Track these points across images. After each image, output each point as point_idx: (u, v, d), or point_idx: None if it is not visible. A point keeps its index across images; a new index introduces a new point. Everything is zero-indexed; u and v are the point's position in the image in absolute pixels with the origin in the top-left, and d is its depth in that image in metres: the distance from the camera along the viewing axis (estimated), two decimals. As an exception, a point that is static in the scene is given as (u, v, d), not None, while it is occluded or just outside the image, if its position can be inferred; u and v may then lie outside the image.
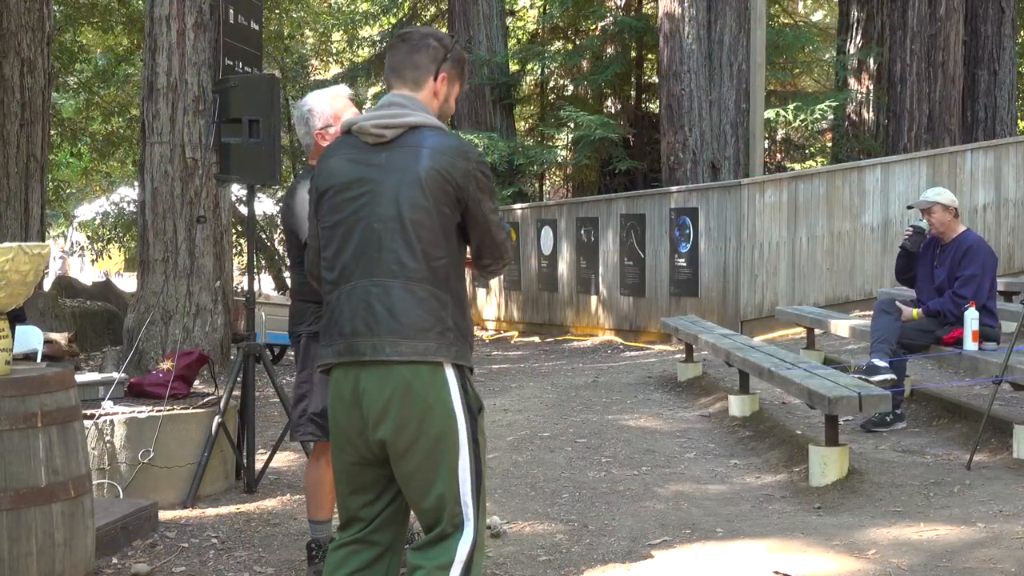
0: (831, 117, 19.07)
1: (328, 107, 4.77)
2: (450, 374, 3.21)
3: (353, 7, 26.51)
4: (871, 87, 19.11)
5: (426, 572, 3.18)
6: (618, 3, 21.01)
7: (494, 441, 8.03)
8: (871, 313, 8.29)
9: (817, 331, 10.56)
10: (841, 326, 9.44)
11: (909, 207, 8.24)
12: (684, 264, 13.75)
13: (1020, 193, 13.57)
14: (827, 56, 23.45)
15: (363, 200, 3.27)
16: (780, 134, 22.14)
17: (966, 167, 13.75)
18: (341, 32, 26.59)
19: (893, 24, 17.36)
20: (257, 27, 7.84)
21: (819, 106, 17.46)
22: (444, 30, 21.98)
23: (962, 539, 5.12)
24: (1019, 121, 23.20)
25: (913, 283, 8.09)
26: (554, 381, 10.83)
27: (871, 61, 18.92)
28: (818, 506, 6.00)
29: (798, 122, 18.05)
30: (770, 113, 17.58)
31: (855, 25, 19.42)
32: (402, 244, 3.22)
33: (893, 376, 7.43)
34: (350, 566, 3.32)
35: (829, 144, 21.42)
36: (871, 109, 19.16)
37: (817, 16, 29.09)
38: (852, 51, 19.14)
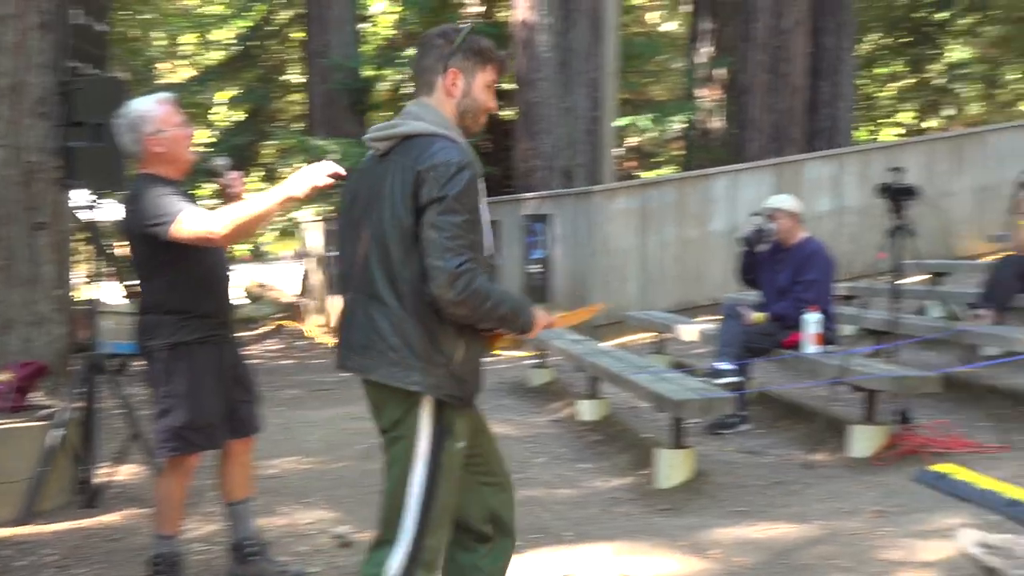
0: (682, 126, 19.45)
1: (157, 112, 4.66)
2: (425, 399, 3.25)
3: (204, 10, 26.05)
4: (720, 97, 19.55)
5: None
6: (475, 10, 21.07)
7: (343, 449, 7.98)
8: (718, 318, 8.47)
9: (666, 336, 10.75)
10: (689, 331, 9.63)
11: (755, 214, 8.45)
12: (537, 270, 13.85)
13: (859, 201, 14.02)
14: (678, 66, 23.94)
15: (361, 213, 3.31)
16: (633, 142, 22.49)
17: (809, 175, 14.16)
18: (193, 35, 26.11)
19: (740, 35, 17.79)
20: (104, 28, 7.63)
21: (676, 116, 17.79)
22: (302, 35, 21.86)
23: (801, 536, 5.26)
24: (858, 131, 24.01)
25: (755, 284, 8.30)
26: (408, 388, 10.76)
27: (720, 71, 19.36)
28: (665, 508, 6.10)
29: (655, 131, 18.36)
30: (624, 121, 17.84)
31: (705, 36, 19.87)
32: (368, 261, 3.25)
33: (738, 379, 7.61)
34: None
35: (679, 152, 21.84)
36: (719, 119, 19.61)
37: (669, 26, 29.63)
38: (702, 61, 19.56)
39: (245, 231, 4.35)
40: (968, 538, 3.84)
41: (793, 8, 17.07)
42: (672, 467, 6.47)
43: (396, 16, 24.04)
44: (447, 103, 3.35)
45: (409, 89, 22.80)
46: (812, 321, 7.48)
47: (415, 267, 3.17)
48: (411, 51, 21.93)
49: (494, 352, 3.55)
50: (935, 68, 28.14)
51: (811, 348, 7.48)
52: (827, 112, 18.11)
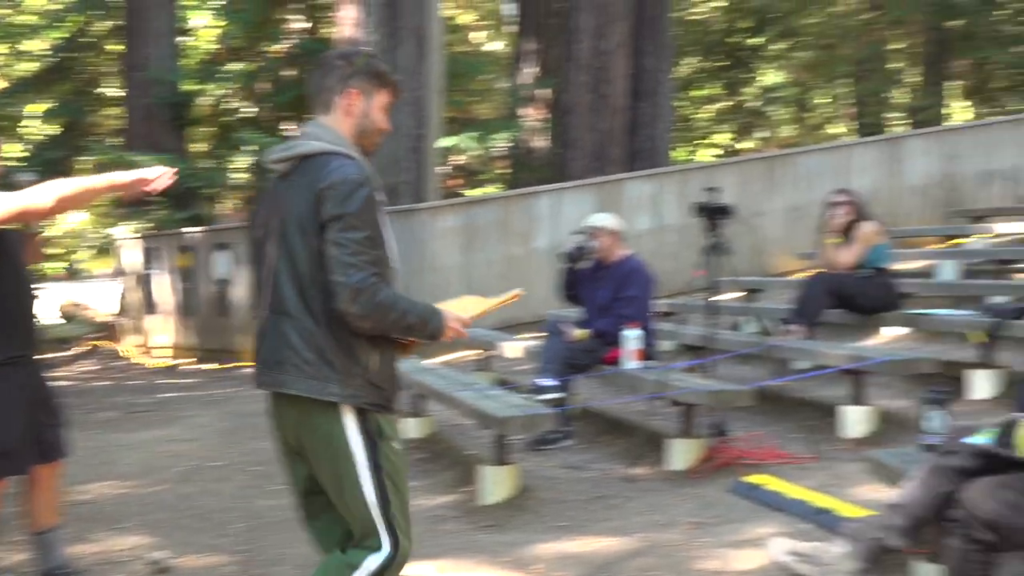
0: (506, 144, 19.63)
1: None
2: (346, 408, 3.30)
3: (16, 20, 25.12)
4: (544, 116, 19.80)
5: (336, 560, 3.43)
6: (299, 26, 20.86)
7: (160, 473, 7.76)
8: (542, 334, 8.55)
9: (491, 353, 10.80)
10: (513, 347, 9.70)
11: (576, 232, 8.59)
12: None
13: (678, 219, 14.36)
14: (503, 85, 24.17)
15: (267, 234, 3.37)
16: (458, 160, 22.59)
17: (629, 194, 14.45)
18: (3, 46, 25.15)
19: (563, 56, 18.05)
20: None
21: (497, 135, 17.93)
22: (122, 47, 21.25)
23: (621, 550, 5.34)
24: (676, 151, 24.66)
25: (577, 301, 8.41)
26: (227, 408, 10.57)
27: (544, 91, 19.60)
28: (488, 524, 6.11)
29: (479, 149, 18.48)
30: (450, 140, 17.90)
31: (529, 56, 20.10)
32: (278, 279, 3.31)
33: (560, 395, 7.69)
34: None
35: (504, 171, 22.03)
36: (544, 137, 19.85)
37: (495, 46, 29.90)
38: (526, 81, 19.78)
39: (71, 203, 4.22)
40: (779, 547, 3.96)
41: (614, 30, 17.42)
42: (496, 484, 6.50)
43: (218, 30, 23.62)
44: (345, 122, 3.43)
45: (231, 104, 22.47)
46: (632, 337, 7.62)
47: (325, 283, 3.24)
48: (235, 65, 21.69)
49: (410, 356, 3.64)
50: (749, 91, 29.14)
51: (631, 364, 7.62)
52: (647, 132, 18.51)
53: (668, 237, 14.50)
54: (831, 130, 29.84)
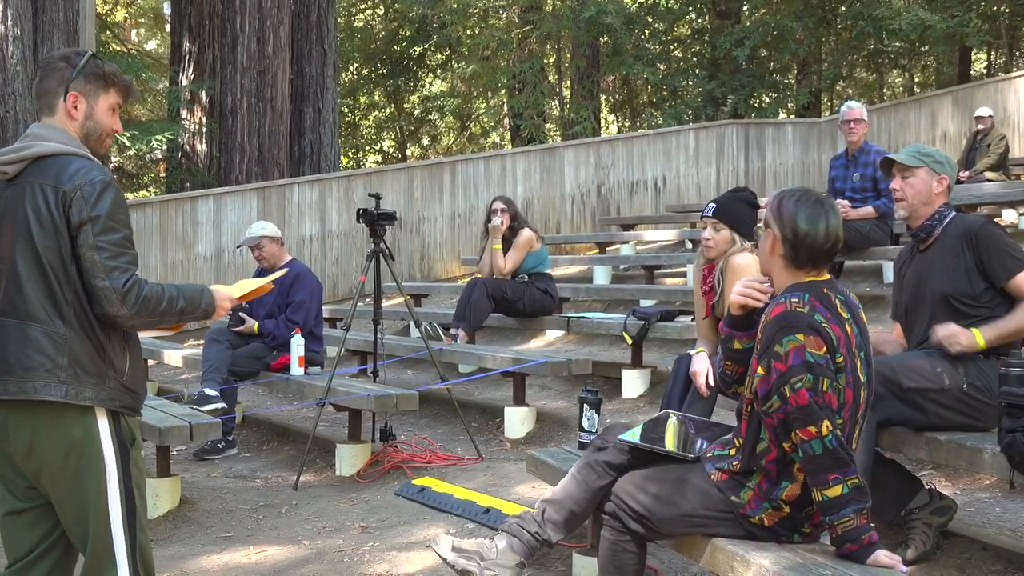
0: (165, 147, 19.04)
1: None
2: (100, 412, 3.21)
3: None
4: (204, 119, 19.34)
5: None
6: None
7: None
8: (204, 342, 8.36)
9: (151, 361, 10.45)
10: (174, 355, 9.41)
11: (239, 246, 8.44)
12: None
13: (343, 225, 14.39)
14: (161, 86, 23.42)
15: None
16: (115, 162, 21.70)
17: (294, 199, 14.34)
18: None
19: (224, 58, 17.70)
20: None
21: (155, 137, 17.35)
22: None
23: (289, 558, 5.30)
24: (342, 157, 24.66)
25: (239, 308, 8.26)
26: None
27: (203, 94, 19.15)
28: (151, 539, 5.90)
29: (133, 151, 17.81)
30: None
31: (187, 57, 19.59)
32: (17, 283, 3.18)
33: (223, 404, 7.54)
34: None
35: (163, 174, 21.35)
36: (204, 141, 19.39)
37: (151, 45, 28.91)
38: (185, 83, 19.25)
39: None
40: (443, 545, 4.04)
41: (276, 34, 17.25)
42: (158, 496, 6.30)
43: None
44: (71, 125, 3.36)
45: None
46: (298, 344, 7.57)
47: (77, 286, 3.17)
48: None
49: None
50: (414, 99, 29.53)
51: (298, 370, 7.57)
52: (312, 138, 18.44)
53: (333, 243, 14.49)
54: (493, 139, 30.71)
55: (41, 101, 3.40)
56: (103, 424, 3.24)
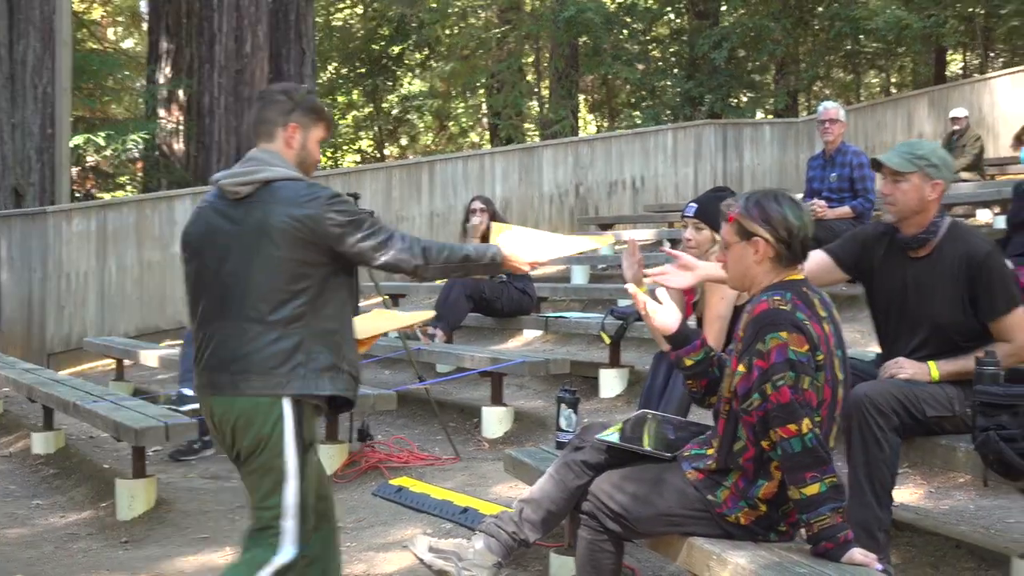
0: (142, 146, 18.94)
1: None
2: (287, 407, 3.52)
3: None
4: (181, 118, 19.25)
5: (246, 558, 3.57)
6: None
7: None
8: (182, 342, 8.33)
9: (127, 362, 10.40)
10: (150, 356, 9.37)
11: None
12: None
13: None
14: (138, 85, 23.30)
15: (223, 251, 3.56)
16: (90, 161, 21.58)
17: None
18: None
19: (202, 57, 17.64)
20: None
21: (131, 136, 17.27)
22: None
23: (265, 559, 5.27)
24: (320, 156, 24.57)
25: None
26: None
27: (181, 92, 19.07)
28: (125, 540, 5.89)
29: (110, 150, 17.72)
30: (80, 139, 17.08)
31: (165, 56, 19.48)
32: (256, 292, 3.50)
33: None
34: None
35: (140, 173, 21.25)
36: (182, 140, 19.30)
37: (128, 43, 28.77)
38: (162, 81, 19.16)
39: None
40: (421, 546, 4.03)
41: (254, 33, 17.20)
42: (134, 498, 6.27)
43: None
44: (287, 153, 3.69)
45: None
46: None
47: (299, 289, 3.52)
48: None
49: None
50: (392, 99, 29.48)
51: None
52: (290, 137, 18.38)
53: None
54: (471, 138, 30.69)
55: (260, 128, 3.71)
56: (289, 418, 3.57)
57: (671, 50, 25.34)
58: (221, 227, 3.59)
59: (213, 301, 3.58)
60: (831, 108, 8.87)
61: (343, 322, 3.67)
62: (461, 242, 8.95)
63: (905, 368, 4.16)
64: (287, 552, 3.53)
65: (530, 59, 25.66)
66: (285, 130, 3.69)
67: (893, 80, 29.24)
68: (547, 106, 23.57)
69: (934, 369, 4.14)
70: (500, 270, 3.96)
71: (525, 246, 3.94)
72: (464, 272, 3.90)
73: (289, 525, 3.54)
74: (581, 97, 26.28)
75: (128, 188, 22.17)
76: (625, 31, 23.93)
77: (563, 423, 4.99)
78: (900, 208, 4.24)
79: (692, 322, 5.41)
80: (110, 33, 28.30)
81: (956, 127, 13.62)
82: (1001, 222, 10.88)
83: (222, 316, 3.55)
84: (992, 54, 26.86)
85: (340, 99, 29.52)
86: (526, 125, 25.25)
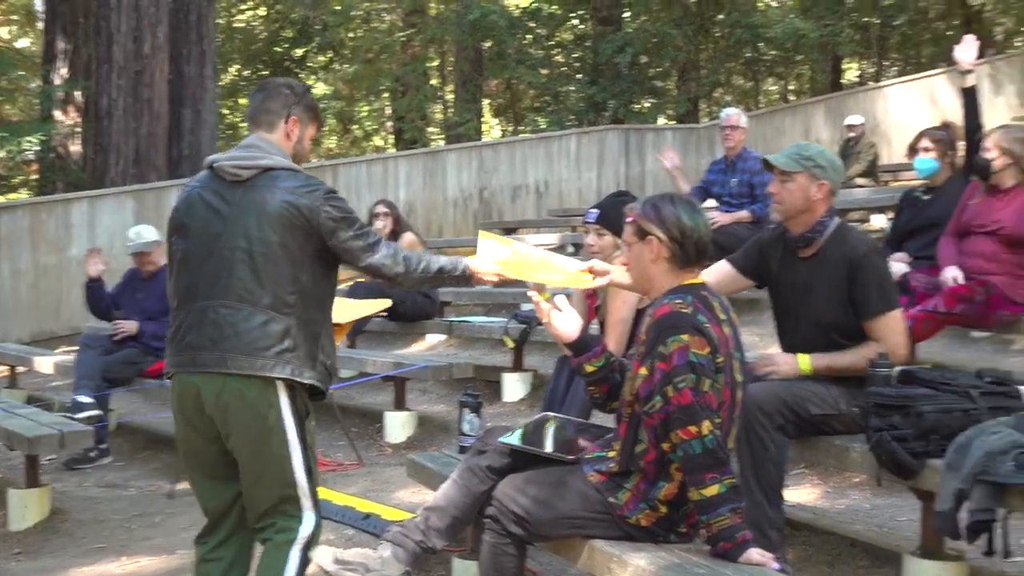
0: (38, 148, 18.52)
1: None
2: (281, 389, 3.61)
3: None
4: (78, 120, 18.86)
5: (274, 544, 3.70)
6: None
7: None
8: (77, 348, 8.16)
9: (21, 368, 10.15)
10: (45, 363, 9.16)
11: (131, 253, 8.12)
12: None
13: (223, 229, 14.17)
14: (33, 85, 22.80)
15: (218, 230, 3.63)
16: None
17: (172, 203, 14.03)
18: None
19: (99, 58, 17.28)
20: None
21: (26, 137, 16.87)
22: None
23: (164, 568, 5.20)
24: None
25: (108, 316, 8.07)
26: None
27: (78, 94, 18.68)
28: (18, 551, 5.75)
29: (4, 152, 17.29)
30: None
31: (61, 56, 19.08)
32: (248, 273, 3.58)
33: (98, 412, 7.37)
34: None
35: (35, 176, 20.78)
36: (78, 142, 18.91)
37: (23, 43, 28.13)
38: (58, 82, 18.76)
39: None
40: (324, 556, 3.98)
41: (154, 34, 16.91)
42: (26, 507, 6.13)
43: None
44: (286, 144, 3.81)
45: None
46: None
47: (294, 275, 3.63)
48: None
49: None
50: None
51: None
52: (191, 139, 18.10)
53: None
54: (375, 142, 30.54)
55: (262, 117, 3.81)
56: (284, 398, 3.68)
57: (575, 55, 25.49)
58: (217, 208, 3.67)
59: (203, 280, 3.64)
60: (733, 114, 8.99)
61: (326, 314, 3.79)
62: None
63: (776, 364, 4.28)
64: (309, 522, 3.72)
65: (435, 63, 25.64)
66: (286, 122, 3.80)
67: (791, 87, 29.76)
68: (451, 110, 23.56)
69: (804, 362, 4.25)
70: (470, 283, 4.04)
71: (501, 259, 4.04)
72: (438, 284, 4.05)
73: (303, 497, 3.70)
74: (486, 101, 26.32)
75: (23, 190, 21.66)
76: (529, 36, 24.03)
77: (466, 427, 4.98)
78: (786, 207, 4.32)
79: (595, 325, 5.45)
80: (4, 32, 27.64)
81: (852, 134, 13.89)
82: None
83: (211, 295, 3.61)
84: (886, 63, 27.49)
85: (242, 101, 29.16)
86: (430, 129, 25.20)
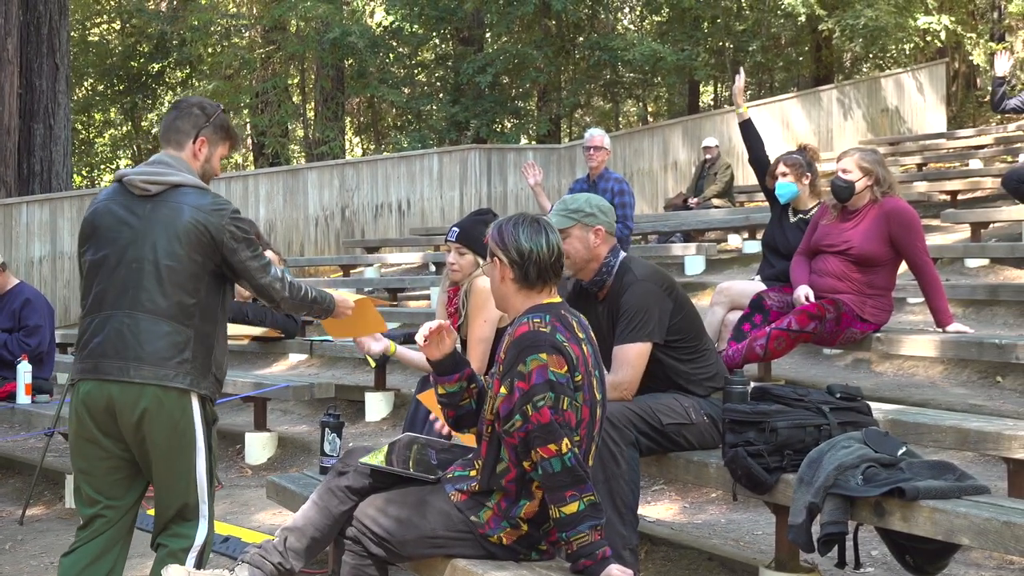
0: None
1: None
2: (194, 398, 3.78)
3: None
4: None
5: (169, 551, 3.82)
6: None
7: None
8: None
9: None
10: None
11: None
12: None
13: (75, 247, 13.82)
14: None
15: (125, 242, 3.77)
16: None
17: (22, 219, 13.68)
18: None
19: (-55, 70, 16.72)
20: None
21: None
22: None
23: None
24: (74, 176, 23.69)
25: None
26: None
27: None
28: None
29: None
30: None
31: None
32: (154, 284, 3.73)
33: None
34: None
35: None
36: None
37: None
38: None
39: None
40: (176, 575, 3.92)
41: (3, 46, 16.42)
42: None
43: None
44: (193, 163, 3.95)
45: None
46: (25, 370, 7.22)
47: (196, 289, 3.79)
48: None
49: None
50: (152, 117, 28.64)
51: (24, 399, 7.21)
52: (42, 155, 17.59)
53: (65, 264, 13.89)
54: (235, 159, 30.11)
55: (171, 136, 3.96)
56: (195, 405, 3.84)
57: (437, 75, 25.56)
58: (126, 220, 3.81)
59: (111, 289, 3.77)
60: (596, 136, 9.13)
61: (220, 327, 3.92)
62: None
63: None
64: (203, 529, 3.87)
65: (295, 80, 25.42)
66: (194, 142, 3.95)
67: (650, 109, 30.34)
68: (313, 128, 23.39)
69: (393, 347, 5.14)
70: (328, 316, 4.31)
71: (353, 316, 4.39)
72: (308, 312, 4.24)
73: (203, 503, 3.86)
74: (347, 120, 26.18)
75: None
76: (391, 55, 24.00)
77: (327, 448, 4.94)
78: (573, 260, 4.41)
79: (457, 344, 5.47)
80: None
81: (708, 156, 14.21)
82: (751, 247, 11.44)
83: (118, 305, 3.75)
84: (741, 87, 28.14)
85: (97, 117, 28.52)
86: (292, 147, 24.96)
